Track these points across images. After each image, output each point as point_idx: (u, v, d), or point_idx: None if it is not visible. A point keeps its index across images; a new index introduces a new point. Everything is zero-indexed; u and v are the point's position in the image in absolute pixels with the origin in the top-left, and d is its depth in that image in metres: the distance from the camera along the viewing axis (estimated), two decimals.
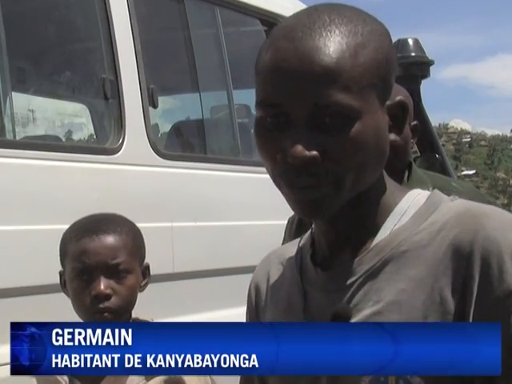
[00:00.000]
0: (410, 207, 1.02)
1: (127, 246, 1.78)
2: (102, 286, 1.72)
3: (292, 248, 1.15)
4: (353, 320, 0.98)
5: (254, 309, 1.17)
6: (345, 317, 0.98)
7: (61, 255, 1.83)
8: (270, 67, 0.96)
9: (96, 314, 1.73)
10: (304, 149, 0.94)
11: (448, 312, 0.95)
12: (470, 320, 0.93)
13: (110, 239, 1.76)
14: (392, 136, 1.01)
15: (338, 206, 0.99)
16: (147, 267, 1.86)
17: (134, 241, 1.81)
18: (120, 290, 1.74)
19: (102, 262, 1.74)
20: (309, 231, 1.13)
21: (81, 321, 1.84)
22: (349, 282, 1.01)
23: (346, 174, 0.96)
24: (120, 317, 1.77)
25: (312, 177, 0.96)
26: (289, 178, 0.97)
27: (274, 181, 1.00)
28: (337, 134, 0.95)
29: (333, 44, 0.94)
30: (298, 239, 1.16)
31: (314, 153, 0.94)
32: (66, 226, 1.90)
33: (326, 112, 0.94)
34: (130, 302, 1.78)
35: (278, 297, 1.11)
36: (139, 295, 1.83)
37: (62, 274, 1.84)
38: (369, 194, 1.01)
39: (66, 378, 1.76)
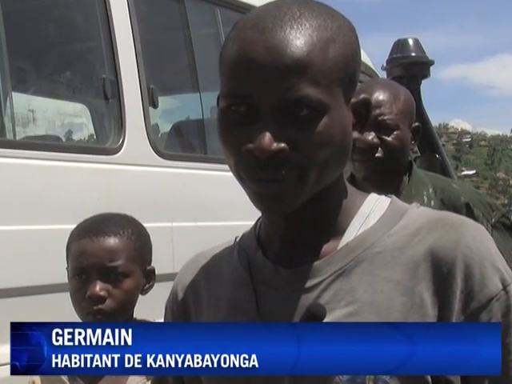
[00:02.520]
0: (374, 210, 1.02)
1: (127, 249, 1.77)
2: (97, 288, 1.72)
3: (223, 249, 1.12)
4: (326, 320, 0.96)
5: (180, 311, 1.12)
6: (319, 315, 0.96)
7: (66, 253, 1.83)
8: (238, 58, 0.94)
9: (89, 315, 1.73)
10: (272, 141, 0.93)
11: (428, 315, 0.95)
12: (452, 321, 0.94)
13: (109, 241, 1.75)
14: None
15: (301, 202, 0.97)
16: (152, 271, 1.85)
17: (136, 244, 1.80)
18: (115, 294, 1.73)
19: (98, 263, 1.73)
20: (249, 230, 1.10)
21: (80, 320, 1.84)
22: (316, 281, 0.99)
23: (311, 168, 0.95)
24: (114, 320, 1.76)
25: (277, 170, 0.94)
26: (253, 170, 0.94)
27: (237, 174, 0.98)
28: (304, 128, 0.94)
29: (303, 37, 0.93)
30: (227, 241, 1.13)
31: (282, 145, 0.93)
32: (67, 226, 1.90)
33: (295, 105, 0.93)
34: (125, 306, 1.77)
35: (218, 297, 1.07)
36: (139, 296, 1.83)
37: (68, 270, 1.84)
38: (329, 194, 1.01)
39: (68, 376, 1.76)
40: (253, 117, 0.94)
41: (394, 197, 1.06)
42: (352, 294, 0.97)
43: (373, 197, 1.05)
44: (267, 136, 0.92)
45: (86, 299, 1.72)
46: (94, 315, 1.72)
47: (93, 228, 1.77)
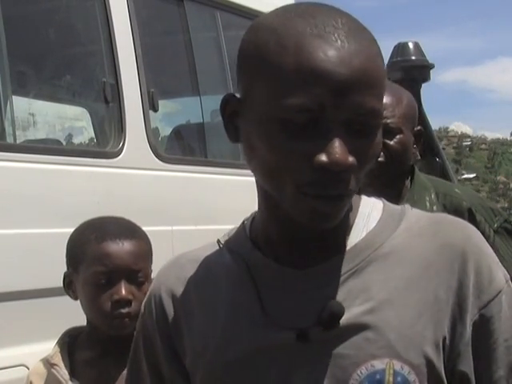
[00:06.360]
0: (372, 211, 1.04)
1: (146, 253, 1.80)
2: (125, 292, 1.72)
3: (206, 250, 1.10)
4: (343, 317, 0.97)
5: (164, 316, 1.08)
6: (338, 312, 0.97)
7: (74, 257, 1.80)
8: (308, 69, 0.91)
9: (116, 319, 1.72)
10: (347, 155, 0.91)
11: (442, 310, 0.98)
12: (467, 315, 0.98)
13: (132, 245, 1.76)
14: None
15: None
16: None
17: (149, 247, 1.82)
18: (139, 296, 1.73)
19: (125, 266, 1.74)
20: (235, 232, 1.10)
21: (80, 323, 1.83)
22: (327, 281, 0.99)
23: (360, 180, 0.96)
24: (135, 323, 1.76)
25: (347, 184, 0.93)
26: (323, 186, 0.92)
27: (298, 191, 0.93)
28: (368, 141, 0.94)
29: (366, 49, 0.94)
30: (210, 242, 1.11)
31: (353, 159, 0.92)
32: (67, 230, 1.89)
33: (362, 118, 0.93)
34: None
35: (213, 300, 1.05)
36: None
37: (67, 275, 1.82)
38: None
39: (65, 377, 1.75)
40: (318, 129, 0.92)
41: (383, 199, 1.08)
42: (366, 293, 0.98)
43: (367, 197, 1.07)
44: (343, 150, 0.91)
45: (113, 303, 1.72)
46: (122, 319, 1.72)
47: (112, 231, 1.77)
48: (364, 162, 0.94)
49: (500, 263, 1.04)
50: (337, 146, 0.91)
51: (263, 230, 1.05)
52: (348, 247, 1.01)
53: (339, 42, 0.92)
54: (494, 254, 1.03)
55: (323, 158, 0.91)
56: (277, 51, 0.93)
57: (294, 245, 1.02)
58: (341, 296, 0.98)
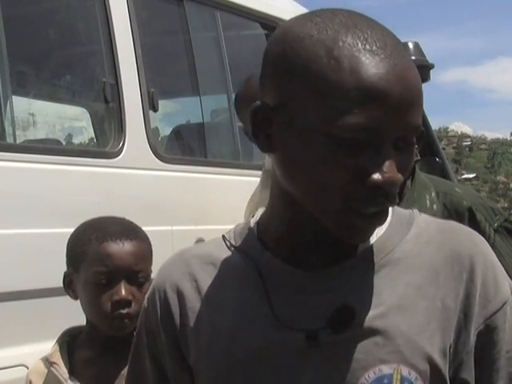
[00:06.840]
0: None
1: (147, 254, 1.80)
2: (125, 292, 1.72)
3: (212, 248, 1.09)
4: (354, 321, 0.97)
5: (168, 313, 1.07)
6: (349, 316, 0.97)
7: (74, 257, 1.80)
8: (367, 88, 0.90)
9: (116, 319, 1.72)
10: (397, 173, 0.92)
11: (450, 318, 0.99)
12: (472, 324, 0.98)
13: (133, 245, 1.76)
14: None
15: None
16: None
17: (150, 248, 1.82)
18: (139, 297, 1.73)
19: (126, 267, 1.73)
20: (240, 231, 1.08)
21: (80, 323, 1.83)
22: (339, 283, 0.99)
23: None
24: (134, 324, 1.76)
25: (392, 200, 0.94)
26: (374, 202, 0.92)
27: (344, 207, 0.93)
28: (407, 156, 0.94)
29: (412, 64, 0.93)
30: (215, 238, 1.10)
31: (401, 176, 0.93)
32: (67, 230, 1.89)
33: (411, 134, 0.94)
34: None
35: (220, 300, 1.05)
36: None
37: (67, 275, 1.82)
38: None
39: (65, 376, 1.75)
40: (371, 146, 0.92)
41: None
42: (377, 297, 0.98)
43: None
44: (394, 168, 0.92)
45: (113, 303, 1.72)
46: (122, 319, 1.72)
47: (114, 231, 1.77)
48: (404, 176, 0.94)
49: (506, 274, 1.04)
50: (390, 164, 0.91)
51: (275, 230, 1.04)
52: (360, 250, 1.01)
53: (392, 58, 0.91)
54: (500, 264, 1.03)
55: (378, 176, 0.91)
56: (331, 67, 0.91)
57: (306, 246, 1.02)
58: (352, 299, 0.98)
